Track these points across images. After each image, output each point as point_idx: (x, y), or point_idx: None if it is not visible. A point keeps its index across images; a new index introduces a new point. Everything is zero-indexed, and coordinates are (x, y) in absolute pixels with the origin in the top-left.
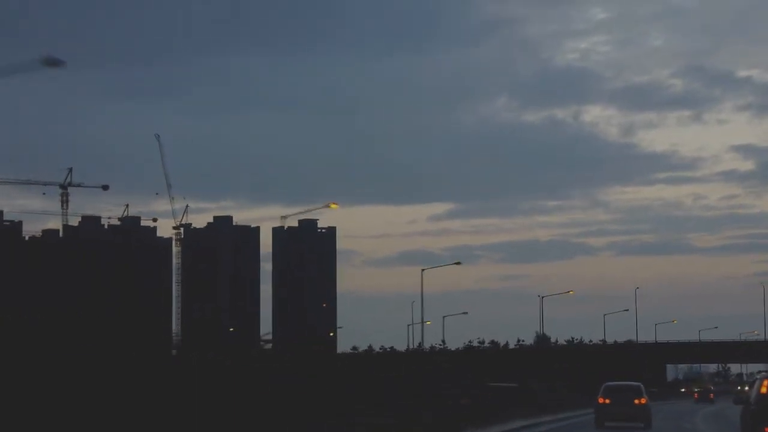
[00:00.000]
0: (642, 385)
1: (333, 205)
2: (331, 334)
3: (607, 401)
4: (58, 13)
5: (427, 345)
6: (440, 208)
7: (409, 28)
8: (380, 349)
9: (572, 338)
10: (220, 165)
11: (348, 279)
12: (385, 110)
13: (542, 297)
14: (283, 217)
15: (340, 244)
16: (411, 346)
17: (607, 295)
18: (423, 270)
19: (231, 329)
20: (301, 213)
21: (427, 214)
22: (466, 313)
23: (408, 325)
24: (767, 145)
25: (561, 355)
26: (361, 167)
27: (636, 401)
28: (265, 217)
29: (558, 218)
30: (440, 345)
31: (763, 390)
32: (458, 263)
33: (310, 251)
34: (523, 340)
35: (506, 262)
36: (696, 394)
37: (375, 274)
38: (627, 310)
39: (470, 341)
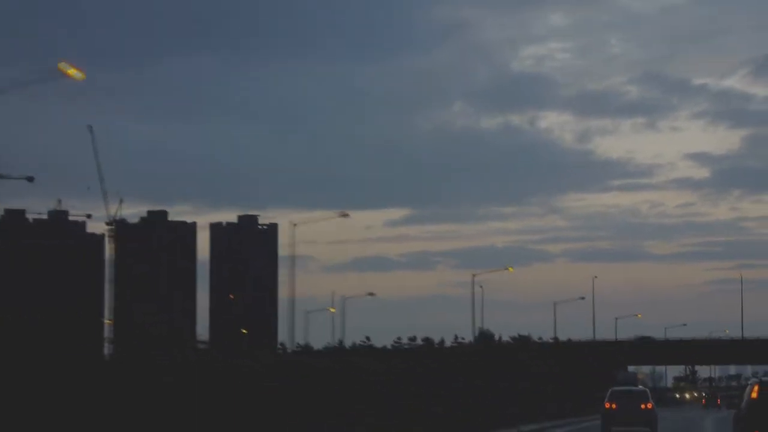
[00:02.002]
0: (648, 391)
1: (69, 71)
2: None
3: (614, 406)
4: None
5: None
6: (396, 214)
7: (364, 35)
8: (296, 347)
9: (518, 334)
10: (171, 170)
11: (305, 284)
12: (340, 116)
13: (474, 275)
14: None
15: (297, 249)
16: (330, 343)
17: (565, 304)
18: (295, 225)
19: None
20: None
21: (383, 220)
22: (373, 293)
23: (307, 312)
24: (722, 153)
25: (505, 354)
26: (318, 173)
27: (642, 406)
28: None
29: (515, 225)
30: (363, 342)
31: (753, 395)
32: (346, 215)
33: (249, 248)
34: (462, 338)
35: (463, 268)
36: (704, 400)
37: (330, 279)
38: (583, 298)
39: (399, 338)
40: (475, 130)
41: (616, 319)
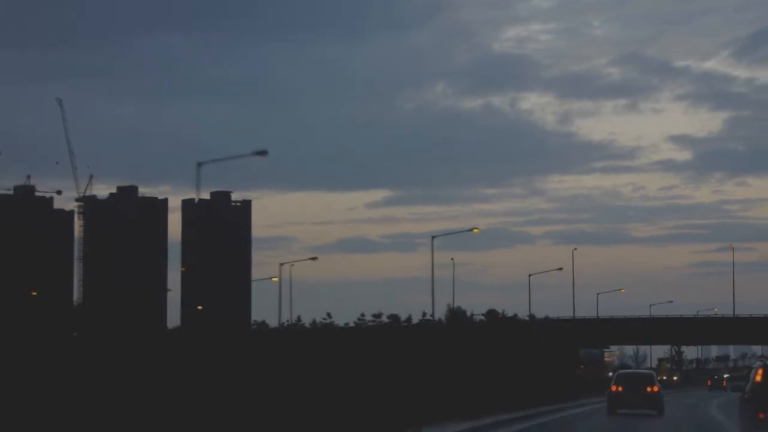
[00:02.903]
0: (654, 374)
1: None
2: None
3: (620, 389)
4: None
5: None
6: (379, 194)
7: (345, 14)
8: (253, 324)
9: (489, 310)
10: (153, 151)
11: (287, 265)
12: (322, 96)
13: (434, 237)
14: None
15: (281, 230)
16: (289, 321)
17: (546, 283)
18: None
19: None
20: None
21: (365, 201)
22: (315, 258)
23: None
24: (704, 135)
25: (471, 332)
26: (301, 154)
27: (648, 389)
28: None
29: (498, 206)
30: (324, 320)
31: (758, 379)
32: (263, 152)
33: (222, 225)
34: (431, 315)
35: (446, 250)
36: (709, 382)
37: (315, 261)
38: (561, 268)
39: (363, 315)
40: (457, 111)
41: (598, 294)
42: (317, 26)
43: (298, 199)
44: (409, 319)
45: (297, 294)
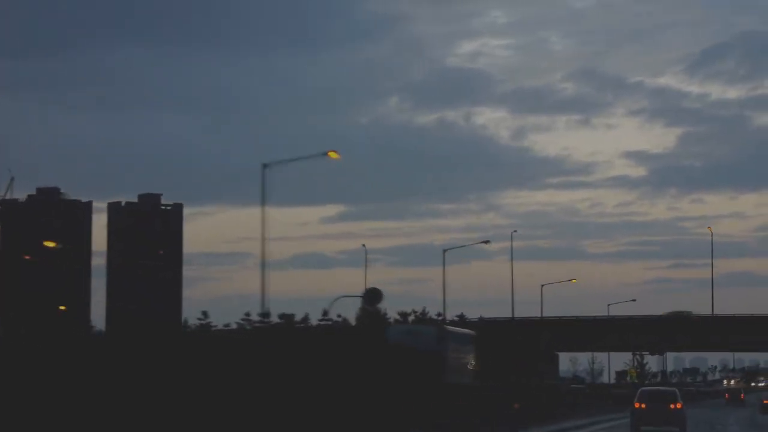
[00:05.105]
0: (677, 390)
1: None
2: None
3: (643, 406)
4: None
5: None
6: (332, 210)
7: (299, 27)
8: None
9: (424, 309)
10: (106, 163)
11: (242, 280)
12: (275, 110)
13: (265, 165)
14: None
15: (238, 246)
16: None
17: (501, 300)
18: None
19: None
20: None
21: (320, 216)
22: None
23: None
24: (659, 151)
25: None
26: (253, 168)
27: (672, 406)
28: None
29: (453, 222)
30: (200, 320)
31: None
32: None
33: (151, 229)
34: (339, 315)
35: (402, 266)
36: (727, 395)
37: (270, 276)
38: (488, 242)
39: (248, 314)
40: (412, 125)
41: (542, 286)
42: (272, 39)
43: (253, 214)
44: (306, 319)
45: (250, 307)
